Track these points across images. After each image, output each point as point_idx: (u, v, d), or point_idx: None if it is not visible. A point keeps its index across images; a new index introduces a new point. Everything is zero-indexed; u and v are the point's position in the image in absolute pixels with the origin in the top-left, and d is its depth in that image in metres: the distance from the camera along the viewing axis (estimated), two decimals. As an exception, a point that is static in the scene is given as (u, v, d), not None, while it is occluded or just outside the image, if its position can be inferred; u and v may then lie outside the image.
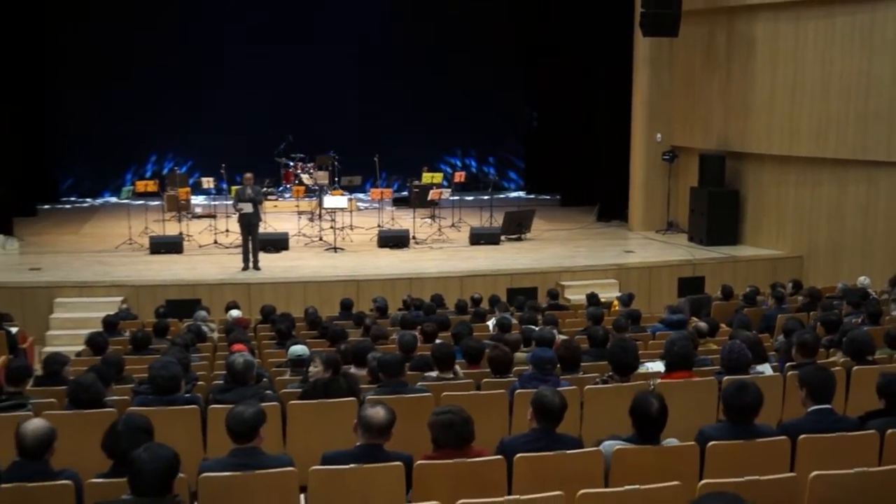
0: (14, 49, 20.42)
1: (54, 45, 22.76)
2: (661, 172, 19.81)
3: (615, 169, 20.62)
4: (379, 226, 19.13)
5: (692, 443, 5.28)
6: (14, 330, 11.90)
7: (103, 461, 5.22)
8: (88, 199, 24.64)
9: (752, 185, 18.35)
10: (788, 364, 7.57)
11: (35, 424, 4.83)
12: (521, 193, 25.99)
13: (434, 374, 7.53)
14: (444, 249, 17.74)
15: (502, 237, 18.57)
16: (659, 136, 19.76)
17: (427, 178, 20.31)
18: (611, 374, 7.08)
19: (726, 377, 6.57)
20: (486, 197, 21.16)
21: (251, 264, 15.70)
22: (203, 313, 12.06)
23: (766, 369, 7.51)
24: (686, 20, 18.04)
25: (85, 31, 23.12)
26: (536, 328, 9.73)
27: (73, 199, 24.64)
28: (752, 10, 17.72)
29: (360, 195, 22.88)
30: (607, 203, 21.43)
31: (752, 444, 5.20)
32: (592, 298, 12.69)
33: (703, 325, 9.71)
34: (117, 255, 17.17)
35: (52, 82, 22.90)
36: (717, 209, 18.19)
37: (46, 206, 23.13)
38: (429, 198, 19.40)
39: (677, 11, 17.74)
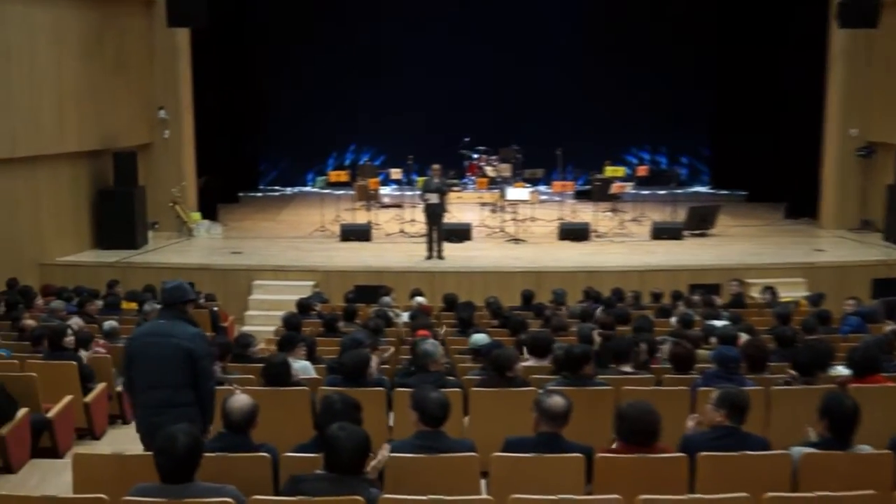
0: (229, 48, 21.56)
1: (265, 44, 23.86)
2: (856, 168, 18.78)
3: (805, 164, 19.69)
4: (560, 218, 19.02)
5: (888, 451, 4.98)
6: (215, 309, 12.57)
7: (294, 435, 5.44)
8: (284, 188, 25.71)
9: (956, 183, 17.11)
10: None
11: (241, 400, 5.07)
12: (706, 188, 25.25)
13: (628, 367, 7.38)
14: (625, 243, 17.47)
15: (685, 232, 18.11)
16: (854, 130, 18.70)
17: (609, 171, 20.04)
18: (795, 375, 6.77)
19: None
20: (669, 191, 20.68)
21: (435, 253, 15.95)
22: (387, 299, 12.35)
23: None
24: (887, 10, 16.97)
25: (293, 30, 24.10)
26: (718, 324, 9.44)
27: (272, 187, 25.78)
28: (962, -3, 16.49)
29: (542, 188, 22.80)
30: (796, 200, 20.47)
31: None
32: (770, 291, 12.31)
33: (900, 328, 9.15)
34: (310, 241, 17.84)
35: (261, 78, 23.99)
36: (916, 208, 17.07)
37: (248, 194, 24.30)
38: (610, 191, 19.15)
39: (877, 1, 16.72)
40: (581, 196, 21.76)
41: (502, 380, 6.71)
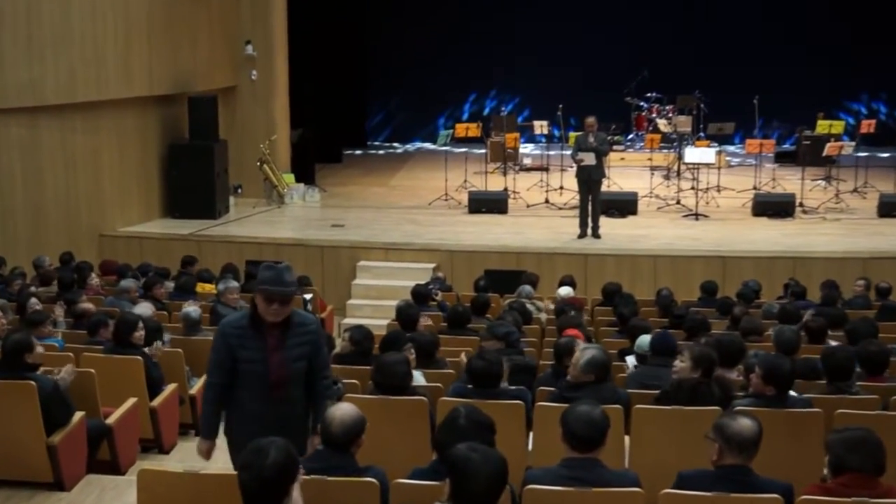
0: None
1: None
2: None
3: None
4: (755, 188, 18.72)
5: None
6: (308, 297, 12.80)
7: (408, 457, 5.51)
8: (399, 144, 26.04)
9: None
10: None
11: (343, 411, 5.12)
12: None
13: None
14: (842, 222, 17.08)
15: (924, 208, 17.57)
16: None
17: (822, 126, 19.53)
18: None
19: None
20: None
21: (590, 230, 15.89)
22: (528, 289, 12.36)
23: None
24: None
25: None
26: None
27: (383, 143, 26.16)
28: None
29: (732, 147, 22.41)
30: None
31: None
32: None
33: None
34: (430, 212, 18.07)
35: (370, 6, 24.31)
36: None
37: (354, 152, 24.70)
38: (824, 153, 18.68)
39: None
40: (784, 159, 21.33)
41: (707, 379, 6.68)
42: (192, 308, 10.32)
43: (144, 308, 10.18)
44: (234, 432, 5.92)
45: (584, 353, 6.88)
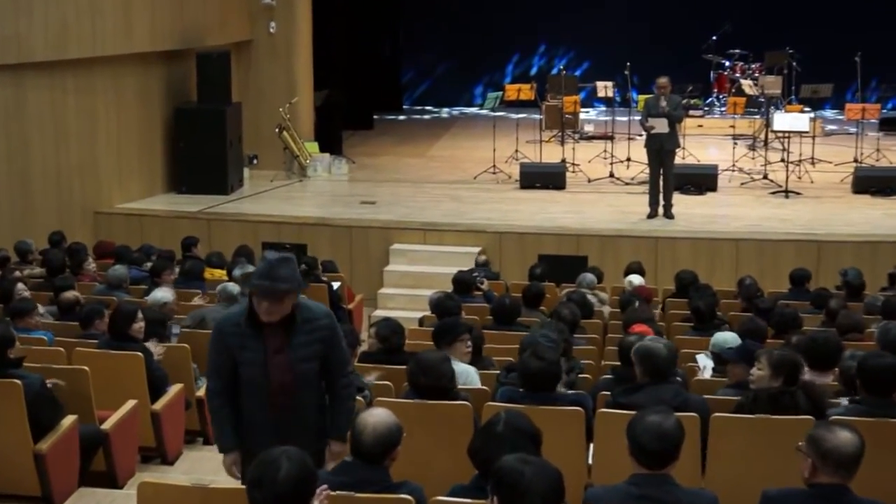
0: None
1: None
2: None
3: None
4: (856, 160, 18.59)
5: None
6: (336, 285, 12.83)
7: (448, 470, 5.51)
8: (439, 108, 25.99)
9: None
10: None
11: (377, 418, 5.13)
12: None
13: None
14: (959, 201, 16.94)
15: None
16: None
17: (935, 89, 19.39)
18: None
19: None
20: None
21: (661, 209, 15.85)
22: (590, 277, 12.31)
23: None
24: None
25: None
26: None
27: (421, 107, 26.12)
28: None
29: (829, 113, 22.23)
30: None
31: None
32: None
33: None
34: (476, 187, 18.08)
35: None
36: None
37: (386, 117, 24.67)
38: (937, 120, 18.56)
39: None
40: (890, 126, 21.11)
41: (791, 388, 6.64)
42: (231, 284, 10.47)
43: (165, 293, 10.20)
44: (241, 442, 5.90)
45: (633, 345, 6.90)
